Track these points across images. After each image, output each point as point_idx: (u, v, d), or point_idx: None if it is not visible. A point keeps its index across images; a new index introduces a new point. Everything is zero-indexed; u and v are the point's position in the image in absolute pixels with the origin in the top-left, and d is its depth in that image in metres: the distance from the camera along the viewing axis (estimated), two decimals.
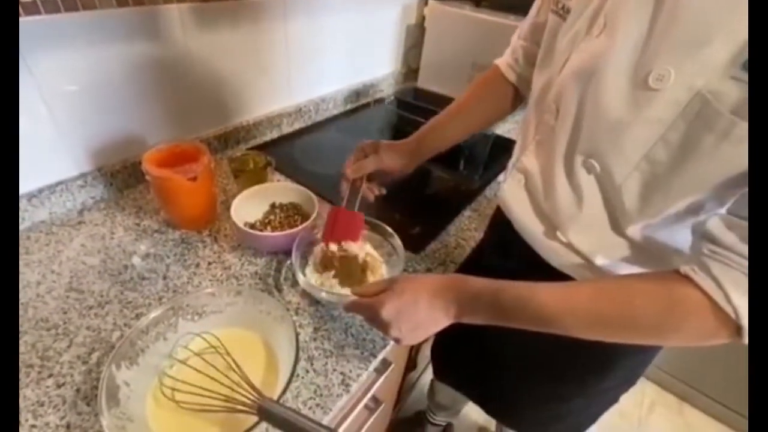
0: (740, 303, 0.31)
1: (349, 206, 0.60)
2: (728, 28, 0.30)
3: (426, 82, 1.32)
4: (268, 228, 0.67)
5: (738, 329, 0.32)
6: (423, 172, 0.94)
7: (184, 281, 0.60)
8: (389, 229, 0.63)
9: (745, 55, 0.30)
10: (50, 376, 0.47)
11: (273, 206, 0.71)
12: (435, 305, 0.43)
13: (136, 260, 0.63)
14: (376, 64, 1.31)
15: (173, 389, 0.44)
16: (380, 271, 0.61)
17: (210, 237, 0.69)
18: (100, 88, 0.68)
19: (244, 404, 0.40)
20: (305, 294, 0.60)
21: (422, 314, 0.44)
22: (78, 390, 0.46)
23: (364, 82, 1.26)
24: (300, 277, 0.56)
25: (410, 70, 1.42)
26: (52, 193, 0.67)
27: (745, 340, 0.33)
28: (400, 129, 1.09)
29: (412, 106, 1.08)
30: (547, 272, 0.51)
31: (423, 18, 1.27)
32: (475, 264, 0.71)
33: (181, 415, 0.43)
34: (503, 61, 0.63)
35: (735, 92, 0.31)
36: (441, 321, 0.44)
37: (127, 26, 0.67)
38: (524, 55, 0.59)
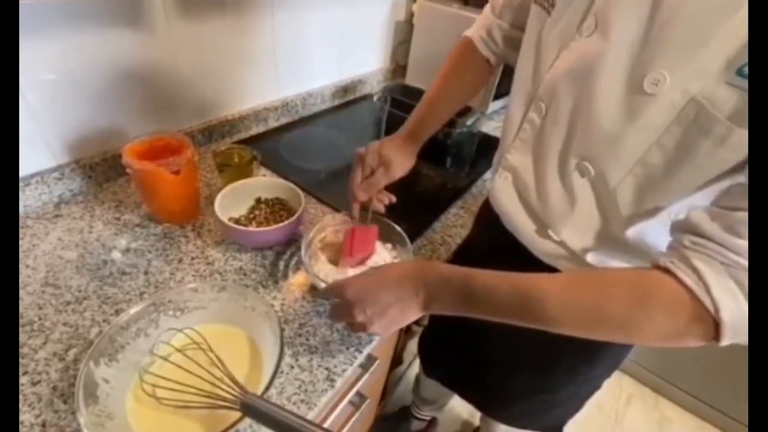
0: (720, 296, 0.30)
1: (362, 221, 0.61)
2: (724, 33, 0.30)
3: (414, 78, 1.32)
4: (253, 223, 0.66)
5: (715, 326, 0.30)
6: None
7: (166, 276, 0.59)
8: (402, 233, 0.62)
9: (741, 61, 0.30)
10: (25, 373, 0.46)
11: (258, 201, 0.70)
12: (403, 287, 0.41)
13: (116, 255, 0.61)
14: (365, 60, 1.30)
15: (154, 386, 0.43)
16: None
17: (193, 232, 0.67)
18: (78, 77, 0.65)
19: (226, 400, 0.40)
20: (290, 290, 0.60)
21: (390, 296, 0.41)
22: (54, 387, 0.45)
23: (352, 78, 1.25)
24: (311, 270, 0.56)
25: (398, 66, 1.41)
26: (26, 185, 0.65)
27: (725, 340, 0.31)
28: (388, 125, 1.09)
29: (400, 103, 1.07)
30: (537, 269, 0.51)
31: (412, 15, 1.27)
32: (462, 261, 0.72)
33: (163, 412, 0.42)
34: (476, 34, 0.62)
35: (731, 98, 0.31)
36: (410, 307, 0.42)
37: (108, 13, 0.65)
38: (503, 38, 0.59)
